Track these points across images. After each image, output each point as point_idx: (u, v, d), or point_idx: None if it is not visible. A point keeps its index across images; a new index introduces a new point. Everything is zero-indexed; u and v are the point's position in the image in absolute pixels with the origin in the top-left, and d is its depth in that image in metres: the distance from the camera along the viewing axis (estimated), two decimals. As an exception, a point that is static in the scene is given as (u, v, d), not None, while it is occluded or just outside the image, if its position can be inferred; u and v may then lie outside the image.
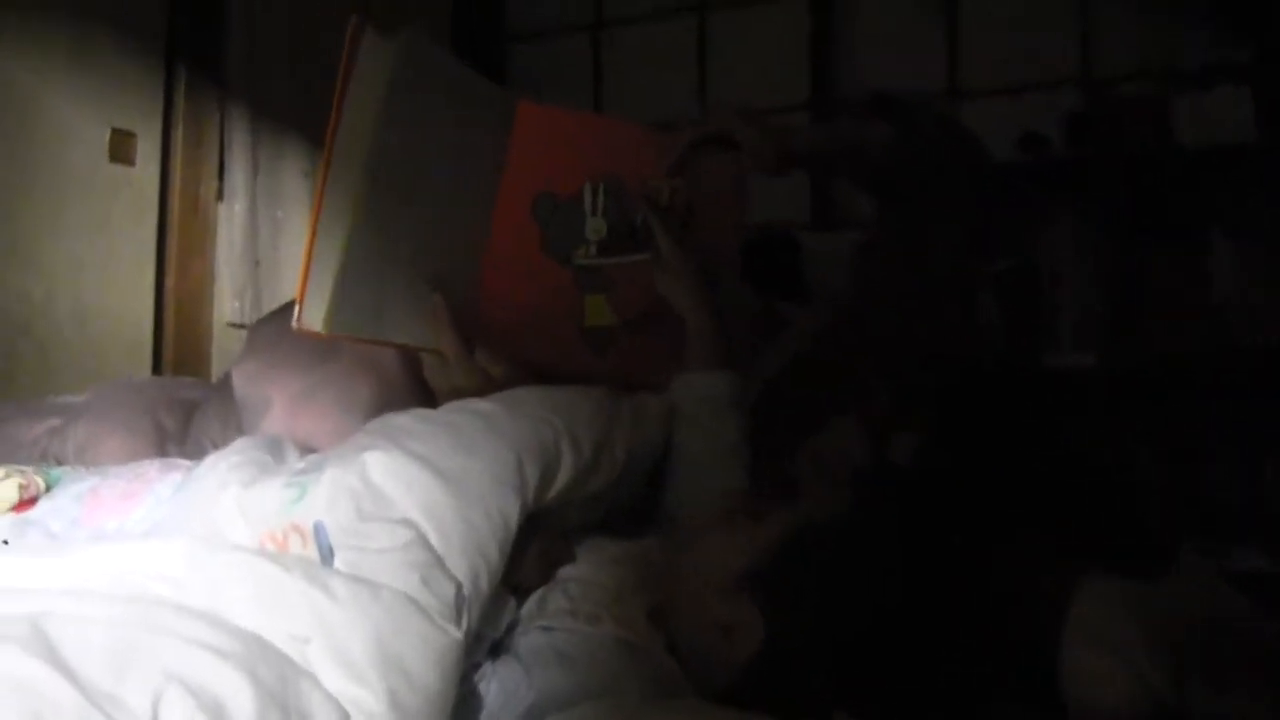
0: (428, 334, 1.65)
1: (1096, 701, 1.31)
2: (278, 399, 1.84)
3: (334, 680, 1.08)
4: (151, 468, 1.58)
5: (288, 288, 3.81)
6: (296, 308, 1.47)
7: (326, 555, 1.20)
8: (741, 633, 1.33)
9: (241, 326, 3.77)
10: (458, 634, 1.16)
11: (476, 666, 1.27)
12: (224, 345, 3.79)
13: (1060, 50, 4.24)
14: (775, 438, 1.83)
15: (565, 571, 1.43)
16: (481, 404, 1.48)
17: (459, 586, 1.20)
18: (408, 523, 1.23)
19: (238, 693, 1.00)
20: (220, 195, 3.85)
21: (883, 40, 4.46)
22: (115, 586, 1.11)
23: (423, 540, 1.21)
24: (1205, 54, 3.92)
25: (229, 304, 3.85)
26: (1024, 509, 1.55)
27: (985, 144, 2.07)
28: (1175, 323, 3.81)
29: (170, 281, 3.63)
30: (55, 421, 2.16)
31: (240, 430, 1.88)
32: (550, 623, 1.33)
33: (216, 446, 1.84)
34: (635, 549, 1.52)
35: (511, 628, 1.34)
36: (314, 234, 1.47)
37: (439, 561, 1.20)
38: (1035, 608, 1.38)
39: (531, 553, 1.38)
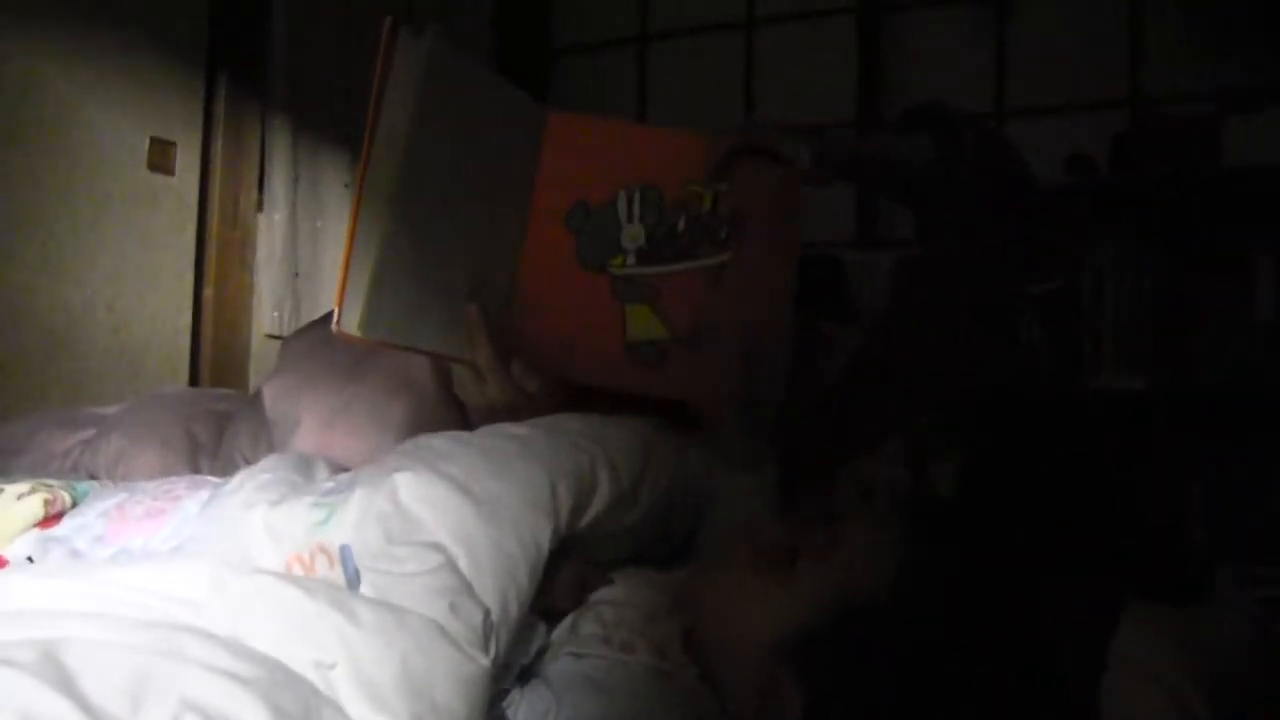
0: (462, 344, 1.63)
1: None
2: (308, 417, 1.83)
3: (358, 708, 1.05)
4: (179, 485, 1.56)
5: (327, 299, 3.82)
6: (335, 312, 1.45)
7: (353, 578, 1.18)
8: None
9: (280, 338, 3.77)
10: (485, 662, 1.14)
11: (504, 693, 1.25)
12: (262, 357, 3.80)
13: (1110, 72, 4.24)
14: (816, 461, 1.80)
15: (598, 594, 1.41)
16: (519, 428, 1.46)
17: (487, 613, 1.18)
18: (437, 546, 1.20)
19: (258, 721, 0.98)
20: (260, 206, 3.87)
21: (931, 58, 4.48)
22: (134, 611, 1.10)
23: (452, 565, 1.19)
24: (1255, 76, 3.90)
25: (268, 315, 3.87)
26: (1067, 536, 1.53)
27: (1029, 161, 2.04)
28: (1221, 345, 3.79)
29: (209, 292, 3.65)
30: (88, 433, 2.16)
31: (271, 446, 1.87)
32: (582, 649, 1.31)
33: (248, 462, 1.83)
34: (669, 576, 1.50)
35: (540, 653, 1.33)
36: (352, 237, 1.45)
37: (468, 587, 1.18)
38: (1077, 637, 1.36)
39: (564, 577, 1.36)
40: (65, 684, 0.94)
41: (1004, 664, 1.30)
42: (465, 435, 1.45)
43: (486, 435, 1.45)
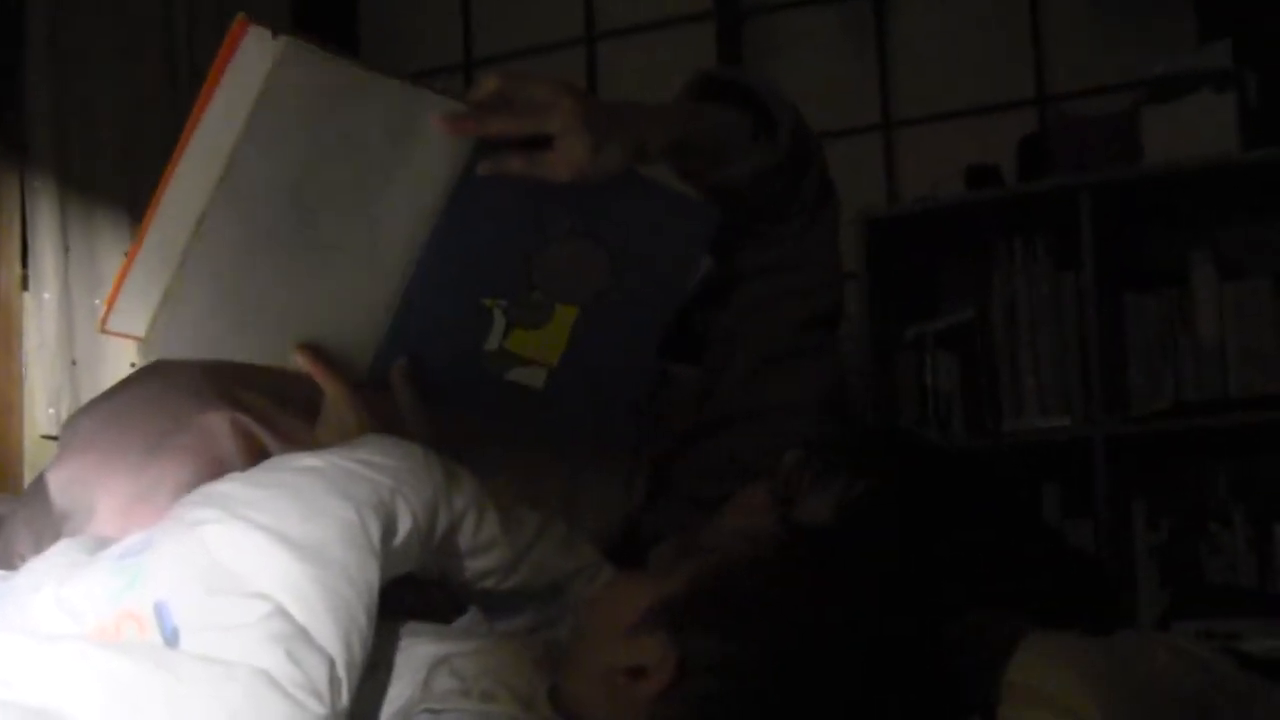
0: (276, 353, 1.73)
1: None
2: (105, 504, 1.86)
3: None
4: (-40, 580, 1.64)
5: (111, 392, 3.82)
6: (104, 308, 1.55)
7: (170, 637, 1.25)
8: (650, 670, 1.39)
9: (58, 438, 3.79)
10: (321, 709, 1.22)
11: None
12: (37, 461, 3.78)
13: (1009, 70, 4.40)
14: (676, 513, 1.92)
15: (449, 648, 1.49)
16: (309, 459, 1.53)
17: (332, 662, 1.27)
18: (263, 596, 1.29)
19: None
20: (25, 284, 3.90)
21: (804, 67, 4.61)
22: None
23: (282, 611, 1.27)
24: (1176, 60, 4.02)
25: (42, 412, 3.89)
26: (960, 574, 1.65)
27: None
28: (1159, 373, 3.91)
29: (-30, 389, 3.65)
30: None
31: (58, 540, 1.91)
32: (438, 704, 1.39)
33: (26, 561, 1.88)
34: (522, 625, 1.62)
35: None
36: (143, 235, 1.52)
37: (303, 633, 1.27)
38: (972, 666, 1.49)
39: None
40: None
41: (901, 692, 1.44)
42: (255, 475, 1.54)
43: (278, 470, 1.54)
